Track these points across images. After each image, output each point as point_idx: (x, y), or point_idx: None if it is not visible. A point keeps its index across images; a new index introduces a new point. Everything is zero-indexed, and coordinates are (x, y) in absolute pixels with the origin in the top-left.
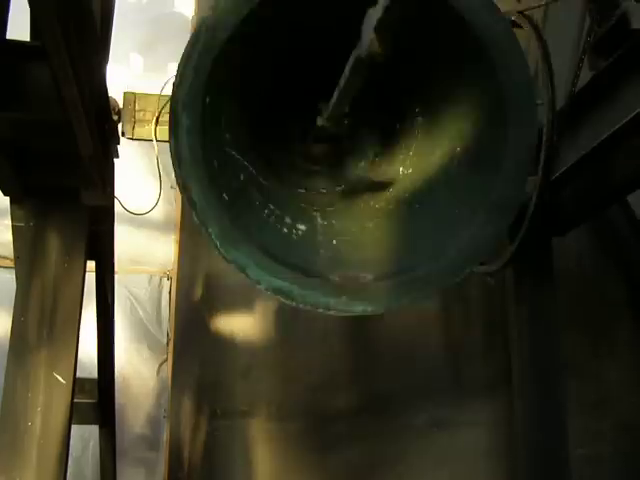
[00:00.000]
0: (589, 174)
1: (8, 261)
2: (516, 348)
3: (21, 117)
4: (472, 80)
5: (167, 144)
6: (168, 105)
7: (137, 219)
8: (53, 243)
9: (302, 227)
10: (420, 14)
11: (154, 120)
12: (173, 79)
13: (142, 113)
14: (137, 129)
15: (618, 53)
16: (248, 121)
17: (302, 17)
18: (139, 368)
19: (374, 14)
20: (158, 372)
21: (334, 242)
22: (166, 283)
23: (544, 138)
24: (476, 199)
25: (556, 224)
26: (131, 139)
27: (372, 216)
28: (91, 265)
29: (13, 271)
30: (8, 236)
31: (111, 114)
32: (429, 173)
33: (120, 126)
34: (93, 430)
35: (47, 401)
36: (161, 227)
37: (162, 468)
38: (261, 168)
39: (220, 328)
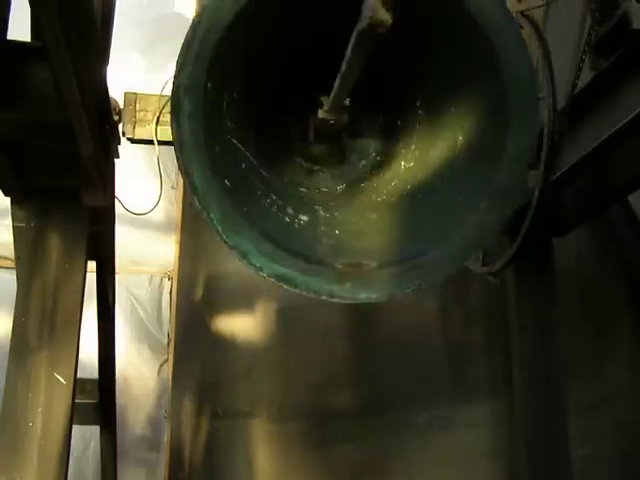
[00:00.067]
0: (590, 174)
1: (9, 261)
2: (516, 348)
3: (21, 117)
4: (473, 70)
5: (167, 145)
6: (169, 105)
7: (138, 219)
8: (54, 243)
9: (304, 217)
10: None
11: (155, 120)
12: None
13: (143, 113)
14: (138, 129)
15: (619, 53)
16: (249, 115)
17: (306, 3)
18: (140, 368)
19: None
20: (159, 372)
21: (337, 232)
22: (167, 283)
23: (545, 138)
24: (479, 186)
25: (557, 224)
26: (132, 139)
27: (375, 208)
28: (92, 265)
29: (14, 271)
30: (9, 236)
31: (112, 114)
32: (431, 165)
33: (121, 126)
34: (94, 430)
35: (48, 401)
36: (162, 227)
37: (163, 469)
38: (262, 162)
39: (221, 328)
